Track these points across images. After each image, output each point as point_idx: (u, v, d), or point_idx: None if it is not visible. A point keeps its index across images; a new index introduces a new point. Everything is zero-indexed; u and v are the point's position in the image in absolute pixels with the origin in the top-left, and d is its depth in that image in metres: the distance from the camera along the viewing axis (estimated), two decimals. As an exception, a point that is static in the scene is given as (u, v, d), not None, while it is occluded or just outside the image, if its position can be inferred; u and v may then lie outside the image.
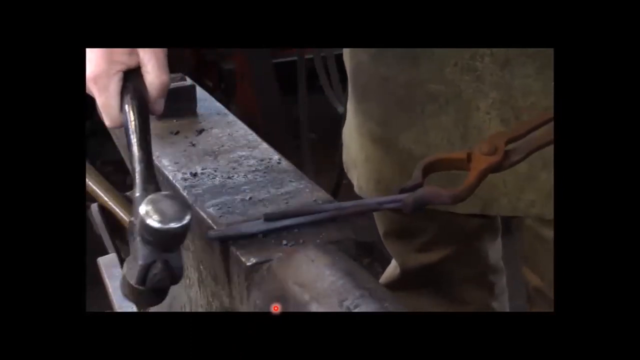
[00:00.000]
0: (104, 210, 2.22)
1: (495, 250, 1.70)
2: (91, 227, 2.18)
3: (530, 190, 1.42)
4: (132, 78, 1.12)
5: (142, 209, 0.96)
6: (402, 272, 1.66)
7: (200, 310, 1.22)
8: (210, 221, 1.07)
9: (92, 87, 1.13)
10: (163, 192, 1.01)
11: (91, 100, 1.22)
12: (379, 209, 1.08)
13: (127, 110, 1.10)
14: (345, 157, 1.61)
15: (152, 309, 1.55)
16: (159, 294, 1.03)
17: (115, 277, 1.85)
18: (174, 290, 1.35)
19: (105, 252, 2.05)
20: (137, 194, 1.03)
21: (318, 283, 0.96)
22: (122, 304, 1.74)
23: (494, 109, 1.36)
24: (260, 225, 1.06)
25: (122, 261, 1.96)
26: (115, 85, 1.12)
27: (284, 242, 1.03)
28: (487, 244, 1.67)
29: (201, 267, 1.17)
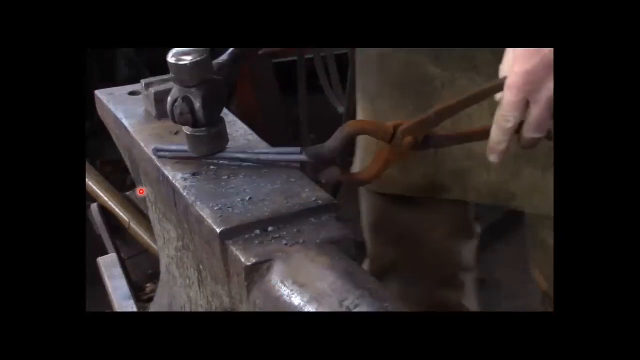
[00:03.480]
0: (104, 210, 2.23)
1: (468, 250, 1.70)
2: (91, 227, 2.19)
3: (513, 183, 1.44)
4: None
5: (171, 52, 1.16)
6: (371, 263, 1.67)
7: (200, 310, 1.22)
8: (210, 221, 1.07)
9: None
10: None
11: (91, 101, 1.22)
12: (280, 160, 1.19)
13: None
14: None
15: (152, 309, 1.56)
16: (205, 139, 1.19)
17: (115, 277, 1.86)
18: (173, 290, 1.35)
19: (105, 252, 2.05)
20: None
21: (318, 283, 0.96)
22: (122, 304, 1.75)
23: (486, 101, 1.37)
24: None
25: (122, 261, 1.98)
26: None
27: (284, 242, 1.03)
28: (461, 243, 1.67)
29: (201, 267, 1.18)
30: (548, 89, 1.07)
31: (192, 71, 1.15)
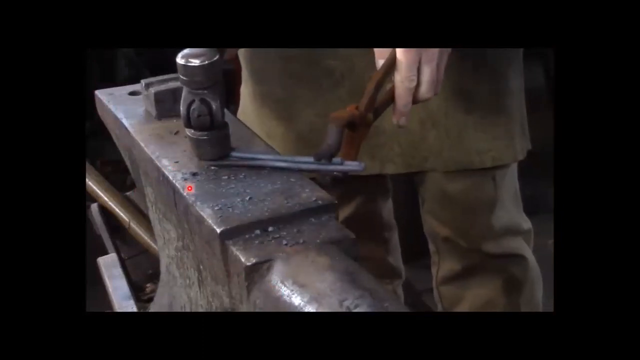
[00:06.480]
0: (104, 210, 2.23)
1: (387, 209, 1.92)
2: (91, 227, 2.19)
3: (422, 148, 1.63)
4: None
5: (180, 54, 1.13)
6: None
7: (200, 310, 1.22)
8: (210, 221, 1.07)
9: None
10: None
11: (91, 101, 1.22)
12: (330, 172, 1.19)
13: None
14: None
15: (152, 309, 1.56)
16: (212, 141, 1.16)
17: (115, 277, 1.86)
18: (173, 290, 1.35)
19: (105, 252, 2.05)
20: None
21: (318, 283, 0.96)
22: (122, 304, 1.75)
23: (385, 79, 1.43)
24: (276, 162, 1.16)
25: (122, 261, 1.98)
26: None
27: (284, 242, 1.03)
28: (380, 204, 1.88)
29: (201, 267, 1.18)
30: (433, 51, 1.22)
31: (208, 72, 1.13)
